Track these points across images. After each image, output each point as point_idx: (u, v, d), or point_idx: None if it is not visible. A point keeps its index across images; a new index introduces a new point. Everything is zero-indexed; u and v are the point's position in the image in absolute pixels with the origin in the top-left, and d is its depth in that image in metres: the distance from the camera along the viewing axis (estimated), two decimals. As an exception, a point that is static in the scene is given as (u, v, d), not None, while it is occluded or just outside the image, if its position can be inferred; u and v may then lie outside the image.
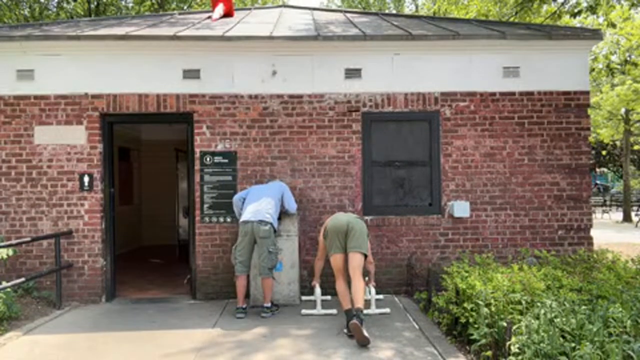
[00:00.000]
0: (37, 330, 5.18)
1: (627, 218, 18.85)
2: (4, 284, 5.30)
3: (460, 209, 6.55)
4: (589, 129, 6.79)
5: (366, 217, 6.48)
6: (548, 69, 6.69)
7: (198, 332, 5.02)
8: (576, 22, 14.50)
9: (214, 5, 8.33)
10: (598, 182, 33.87)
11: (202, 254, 6.46)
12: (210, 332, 5.05)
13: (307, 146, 6.58)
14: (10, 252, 5.86)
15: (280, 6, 11.22)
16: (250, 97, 6.56)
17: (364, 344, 4.47)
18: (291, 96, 6.59)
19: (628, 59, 16.17)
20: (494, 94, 6.68)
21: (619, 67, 16.16)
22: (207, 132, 6.52)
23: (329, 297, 6.09)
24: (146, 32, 6.60)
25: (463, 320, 4.39)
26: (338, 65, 6.61)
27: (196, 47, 6.51)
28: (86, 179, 6.39)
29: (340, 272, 5.12)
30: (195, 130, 6.52)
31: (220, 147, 6.53)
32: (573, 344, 3.25)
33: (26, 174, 6.40)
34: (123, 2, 17.99)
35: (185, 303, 6.30)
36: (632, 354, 3.10)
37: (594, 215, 15.42)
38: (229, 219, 6.46)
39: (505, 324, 3.69)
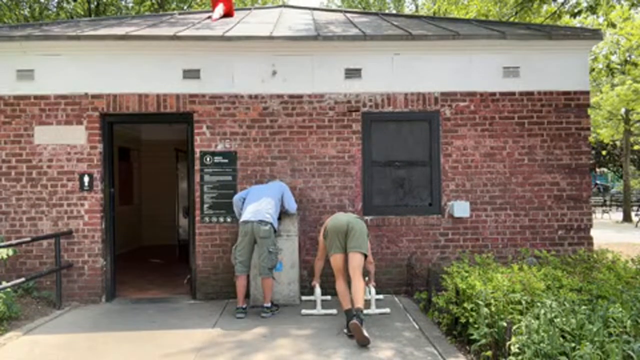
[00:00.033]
0: (37, 330, 5.18)
1: (627, 218, 18.85)
2: (4, 284, 5.30)
3: (460, 209, 6.55)
4: (589, 129, 6.79)
5: (366, 217, 6.48)
6: (548, 69, 6.69)
7: (198, 332, 5.02)
8: (576, 22, 14.50)
9: (214, 5, 8.33)
10: (598, 182, 33.87)
11: (202, 254, 6.46)
12: (210, 332, 5.05)
13: (307, 146, 6.58)
14: (10, 252, 5.86)
15: (280, 6, 11.22)
16: (250, 97, 6.56)
17: (364, 344, 4.47)
18: (291, 96, 6.59)
19: (628, 59, 16.18)
20: (494, 94, 6.68)
21: (619, 67, 16.16)
22: (207, 132, 6.52)
23: (329, 297, 6.09)
24: (146, 32, 6.61)
25: (463, 320, 4.39)
26: (338, 65, 6.61)
27: (196, 47, 6.51)
28: (86, 179, 6.40)
29: (340, 272, 5.12)
30: (195, 130, 6.52)
31: (220, 147, 6.53)
32: (573, 344, 3.25)
33: (26, 174, 6.40)
34: (123, 2, 17.99)
35: (185, 303, 6.30)
36: (632, 354, 3.10)
37: (594, 215, 15.42)
38: (229, 219, 6.46)
39: (505, 324, 3.69)
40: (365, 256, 5.13)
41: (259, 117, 6.56)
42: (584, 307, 3.82)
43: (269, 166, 6.55)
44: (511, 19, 12.10)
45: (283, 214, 6.08)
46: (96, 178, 6.42)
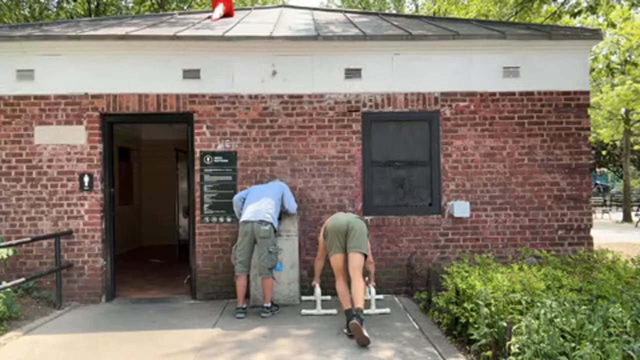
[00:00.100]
0: (37, 330, 5.18)
1: (627, 218, 18.85)
2: (4, 284, 5.30)
3: (460, 209, 6.55)
4: (589, 129, 6.79)
5: (366, 217, 6.48)
6: (548, 69, 6.69)
7: (198, 332, 5.02)
8: (576, 22, 14.50)
9: (214, 5, 8.33)
10: (598, 182, 33.87)
11: (202, 254, 6.46)
12: (210, 332, 5.05)
13: (307, 146, 6.58)
14: (10, 252, 5.86)
15: (280, 6, 11.22)
16: (250, 97, 6.56)
17: (364, 344, 4.47)
18: (291, 96, 6.59)
19: (628, 59, 16.17)
20: (494, 94, 6.68)
21: (619, 67, 16.15)
22: (207, 132, 6.52)
23: (329, 297, 6.09)
24: (146, 32, 6.61)
25: (463, 320, 4.39)
26: (338, 65, 6.61)
27: (196, 47, 6.51)
28: (86, 179, 6.40)
29: (340, 272, 5.12)
30: (195, 130, 6.52)
31: (220, 147, 6.53)
32: (573, 344, 3.25)
33: (26, 174, 6.40)
34: (123, 2, 17.99)
35: (185, 303, 6.30)
36: (632, 354, 3.10)
37: (594, 215, 15.42)
38: (229, 219, 6.46)
39: (505, 324, 3.69)
40: (365, 256, 5.13)
41: (259, 117, 6.56)
42: (584, 307, 3.82)
43: (269, 166, 6.55)
44: (511, 19, 12.10)
45: (283, 214, 6.08)
46: (96, 178, 6.42)
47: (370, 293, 5.59)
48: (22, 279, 5.61)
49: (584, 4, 10.19)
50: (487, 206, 6.63)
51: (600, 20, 14.21)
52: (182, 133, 7.65)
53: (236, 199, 5.95)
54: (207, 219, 6.49)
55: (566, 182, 6.67)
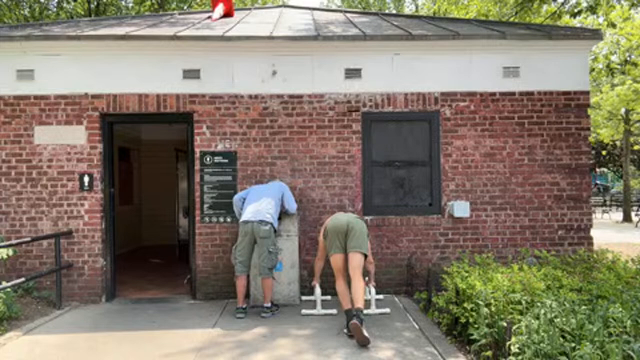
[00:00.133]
0: (37, 330, 5.18)
1: (627, 218, 18.85)
2: (4, 284, 5.31)
3: (460, 209, 6.55)
4: (589, 129, 6.79)
5: (366, 217, 6.48)
6: (548, 69, 6.69)
7: (198, 332, 5.02)
8: (576, 22, 14.50)
9: (214, 5, 8.34)
10: (598, 182, 33.85)
11: (202, 254, 6.46)
12: (210, 332, 5.05)
13: (307, 146, 6.58)
14: (10, 252, 5.86)
15: (280, 6, 11.21)
16: (250, 97, 6.56)
17: (364, 344, 4.47)
18: (291, 96, 6.59)
19: (628, 59, 16.18)
20: (494, 94, 6.68)
21: (619, 67, 16.16)
22: (207, 132, 6.52)
23: (329, 297, 6.09)
24: (146, 32, 6.61)
25: (463, 320, 4.39)
26: (338, 65, 6.61)
27: (196, 47, 6.51)
28: (86, 179, 6.40)
29: (340, 272, 5.13)
30: (195, 130, 6.52)
31: (220, 147, 6.53)
32: (573, 344, 3.25)
33: (26, 174, 6.40)
34: (123, 2, 17.99)
35: (185, 303, 6.30)
36: (632, 354, 3.10)
37: (594, 215, 15.43)
38: (229, 219, 6.46)
39: (505, 324, 3.69)
40: (365, 256, 5.13)
41: (259, 117, 6.56)
42: (584, 307, 3.82)
43: (269, 166, 6.55)
44: (511, 19, 12.10)
45: (283, 214, 6.08)
46: (96, 178, 6.42)
47: (370, 293, 5.59)
48: (22, 279, 5.61)
49: (584, 4, 10.20)
50: (487, 206, 6.64)
51: (600, 20, 14.22)
52: (182, 133, 7.65)
53: (236, 199, 5.96)
54: (207, 219, 6.49)
55: (566, 182, 6.68)
